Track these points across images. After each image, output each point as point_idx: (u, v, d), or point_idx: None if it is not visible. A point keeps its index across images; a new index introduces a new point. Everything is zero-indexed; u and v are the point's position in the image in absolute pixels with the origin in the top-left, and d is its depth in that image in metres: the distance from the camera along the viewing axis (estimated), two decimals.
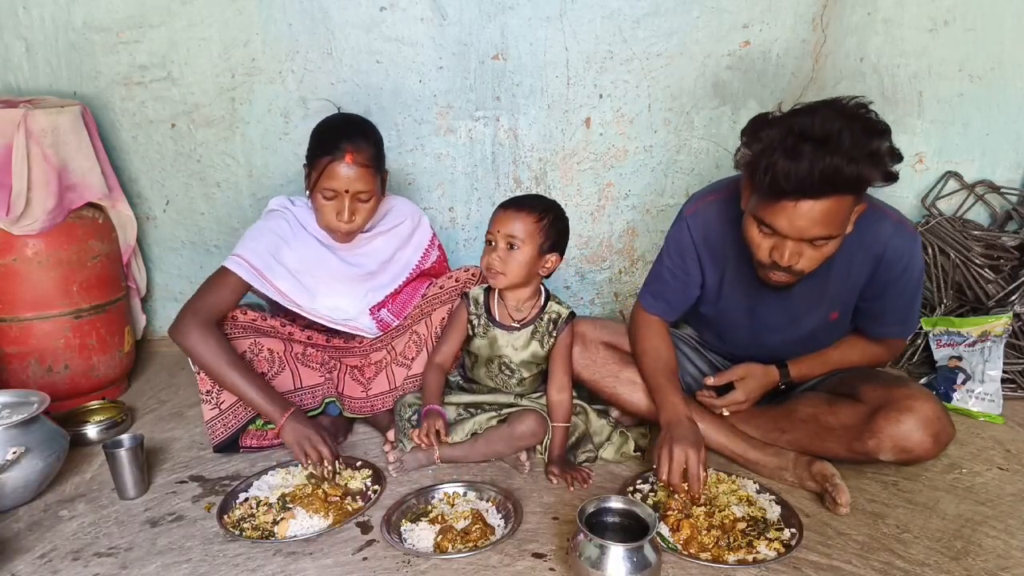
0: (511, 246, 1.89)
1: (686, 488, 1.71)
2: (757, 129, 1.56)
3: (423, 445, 1.86)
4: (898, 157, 1.53)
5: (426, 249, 2.24)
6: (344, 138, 1.92)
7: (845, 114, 1.50)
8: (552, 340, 1.99)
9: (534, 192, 2.74)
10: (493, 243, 1.91)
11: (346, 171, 1.91)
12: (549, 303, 2.01)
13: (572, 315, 2.01)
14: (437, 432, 1.84)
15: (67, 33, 2.56)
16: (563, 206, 1.98)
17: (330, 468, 1.87)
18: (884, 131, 1.51)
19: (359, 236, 2.10)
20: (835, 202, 1.50)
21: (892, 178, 1.53)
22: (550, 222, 1.92)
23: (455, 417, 1.97)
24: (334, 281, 2.08)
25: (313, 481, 1.84)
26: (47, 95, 2.56)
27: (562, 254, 1.98)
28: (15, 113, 2.13)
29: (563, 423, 1.96)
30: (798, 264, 1.60)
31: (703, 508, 1.69)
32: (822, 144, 1.45)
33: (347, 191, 1.94)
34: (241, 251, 2.00)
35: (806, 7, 2.53)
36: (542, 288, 2.03)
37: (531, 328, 1.99)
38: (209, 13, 2.54)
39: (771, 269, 1.65)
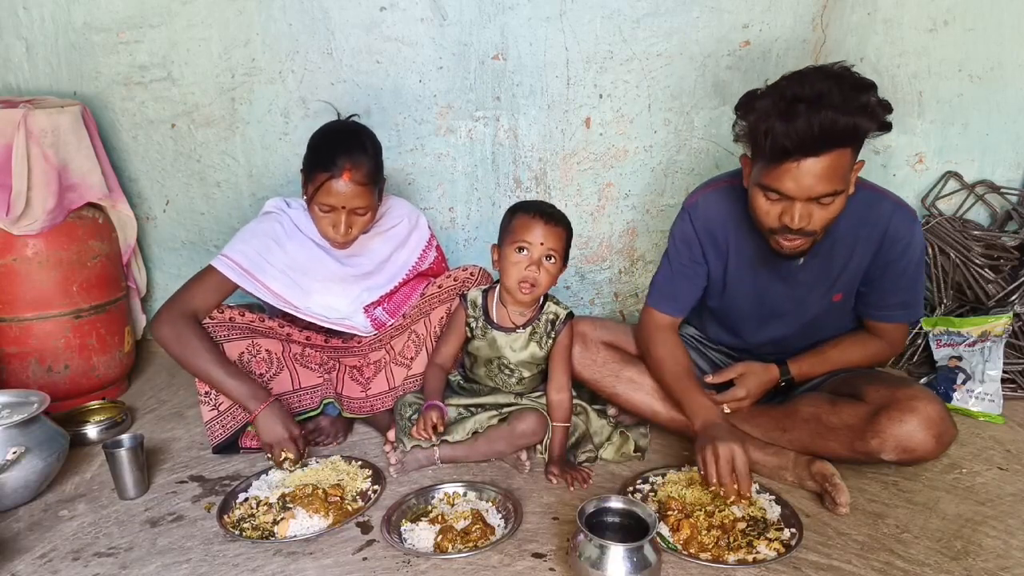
0: (549, 258, 1.89)
1: (735, 487, 1.68)
2: (749, 102, 1.64)
3: (422, 438, 1.87)
4: (887, 108, 1.59)
5: (423, 250, 2.23)
6: (342, 154, 1.89)
7: (830, 75, 1.58)
8: (551, 341, 1.99)
9: (535, 193, 2.75)
10: (528, 253, 1.87)
11: (344, 188, 1.90)
12: (547, 304, 2.01)
13: (570, 315, 2.01)
14: (434, 426, 1.85)
15: (67, 33, 2.56)
16: (563, 206, 1.99)
17: (296, 462, 1.91)
18: (870, 86, 1.59)
19: None
20: (836, 156, 1.56)
21: (886, 127, 1.60)
22: (570, 234, 1.95)
23: (455, 417, 1.97)
24: (329, 281, 2.07)
25: (287, 467, 1.89)
26: (47, 95, 2.56)
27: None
28: (15, 113, 2.13)
29: (563, 423, 1.96)
30: (809, 225, 1.64)
31: (701, 511, 1.68)
32: (815, 102, 1.52)
33: (344, 207, 1.93)
34: (229, 251, 2.00)
35: (806, 7, 2.53)
36: None
37: (529, 329, 1.99)
38: (209, 13, 2.54)
39: (782, 234, 1.69)
